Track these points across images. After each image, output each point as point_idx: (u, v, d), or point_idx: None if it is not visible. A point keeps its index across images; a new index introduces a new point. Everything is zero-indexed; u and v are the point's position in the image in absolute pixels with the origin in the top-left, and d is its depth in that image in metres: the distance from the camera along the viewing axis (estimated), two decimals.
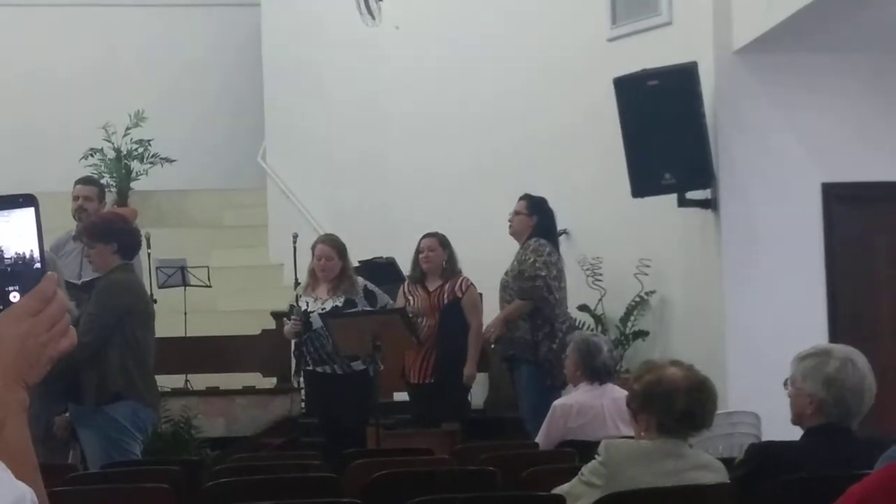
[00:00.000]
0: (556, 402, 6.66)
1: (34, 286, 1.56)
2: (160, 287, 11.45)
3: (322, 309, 8.17)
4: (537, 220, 8.70)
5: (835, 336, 8.34)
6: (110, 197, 12.62)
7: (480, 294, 9.06)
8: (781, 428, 4.53)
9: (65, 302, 1.60)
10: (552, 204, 8.86)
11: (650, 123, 8.65)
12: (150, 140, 14.14)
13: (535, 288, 8.51)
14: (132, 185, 14.15)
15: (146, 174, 14.16)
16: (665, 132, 8.59)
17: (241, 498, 4.74)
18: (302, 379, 9.01)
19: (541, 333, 8.46)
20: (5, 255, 1.56)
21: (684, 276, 9.38)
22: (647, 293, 9.64)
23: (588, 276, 9.75)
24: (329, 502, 4.84)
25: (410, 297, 8.80)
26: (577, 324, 9.28)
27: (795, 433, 4.30)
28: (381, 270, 9.96)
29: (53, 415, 6.95)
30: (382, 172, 12.18)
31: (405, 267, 9.26)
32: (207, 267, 12.13)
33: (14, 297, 1.56)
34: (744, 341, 8.57)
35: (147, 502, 4.88)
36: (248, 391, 10.54)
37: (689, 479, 4.05)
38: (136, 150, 14.19)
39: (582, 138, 10.20)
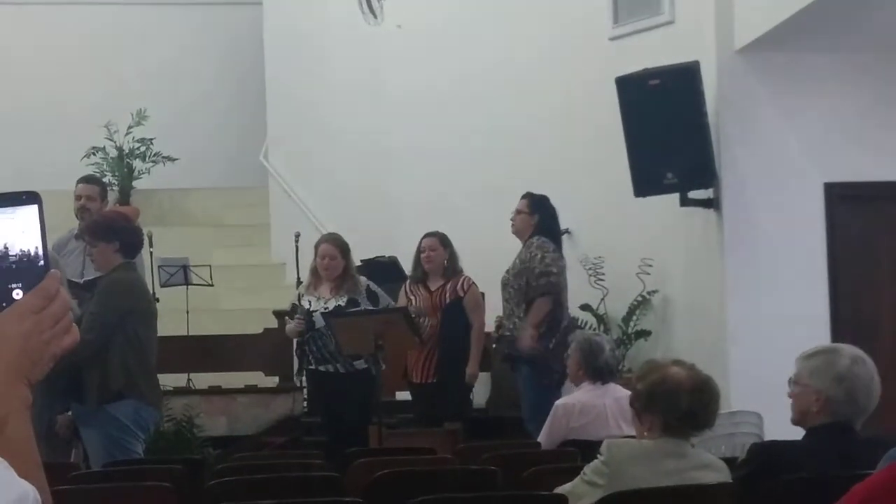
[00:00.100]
0: (558, 402, 6.66)
1: (37, 284, 1.56)
2: (162, 286, 11.45)
3: (325, 308, 8.17)
4: (539, 218, 8.69)
5: (837, 336, 8.33)
6: (112, 196, 12.62)
7: (483, 293, 9.06)
8: (783, 428, 4.53)
9: (67, 300, 1.60)
10: (554, 203, 8.86)
11: (652, 123, 8.64)
12: (152, 139, 14.14)
13: (549, 284, 8.52)
14: (134, 183, 14.15)
15: (148, 173, 14.16)
16: (667, 132, 8.58)
17: (243, 497, 4.74)
18: (304, 378, 9.01)
19: (539, 332, 8.45)
20: (10, 253, 1.56)
21: (686, 275, 9.38)
22: (649, 293, 9.64)
23: (590, 275, 9.75)
24: (331, 501, 4.84)
25: (412, 297, 8.80)
26: (579, 323, 9.28)
27: (797, 433, 4.30)
28: (383, 269, 9.96)
29: (56, 413, 6.95)
30: (385, 172, 12.18)
31: (407, 266, 9.26)
32: (209, 266, 12.13)
33: (17, 294, 1.56)
34: (746, 340, 8.57)
35: (149, 501, 4.88)
36: (251, 390, 10.54)
37: (691, 478, 4.05)
38: (138, 148, 14.19)
39: (583, 138, 10.20)
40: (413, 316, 8.43)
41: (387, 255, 10.45)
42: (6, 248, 1.56)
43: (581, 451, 5.70)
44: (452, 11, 11.59)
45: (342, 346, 8.00)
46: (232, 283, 12.94)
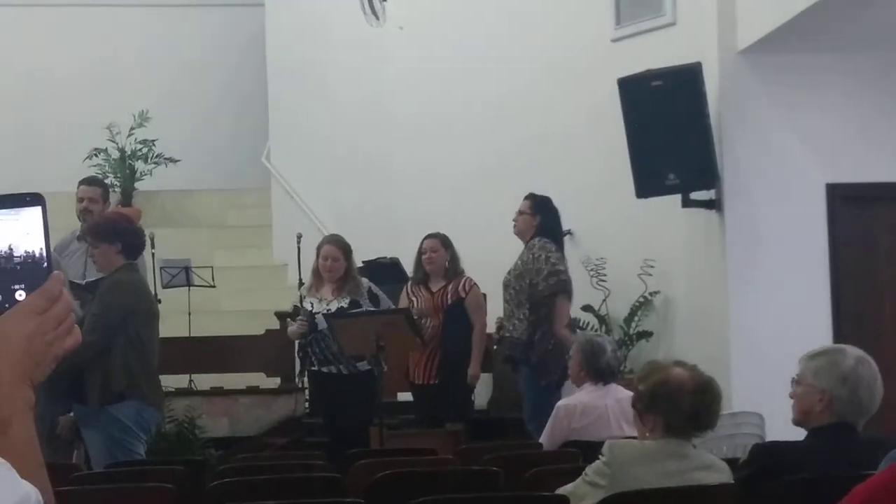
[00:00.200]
0: (560, 403, 6.66)
1: (40, 285, 1.57)
2: (164, 287, 11.46)
3: (327, 310, 8.18)
4: (541, 219, 8.69)
5: (839, 336, 8.33)
6: (114, 197, 12.61)
7: (484, 294, 9.06)
8: (785, 428, 4.53)
9: (70, 301, 1.60)
10: (556, 204, 8.86)
11: (654, 124, 8.64)
12: (154, 140, 14.15)
13: (560, 282, 8.53)
14: (136, 185, 14.16)
15: (150, 174, 14.17)
16: (669, 133, 8.58)
17: (244, 498, 4.74)
18: (306, 379, 9.02)
19: (539, 332, 8.45)
20: (14, 254, 1.56)
21: (688, 276, 9.38)
22: (650, 294, 9.64)
23: (592, 276, 9.75)
24: (333, 502, 4.85)
25: (414, 298, 8.80)
26: (580, 324, 9.29)
27: (799, 434, 4.30)
28: (385, 270, 9.97)
29: (57, 415, 6.95)
30: (386, 172, 12.19)
31: (409, 267, 9.26)
32: (211, 267, 12.14)
33: (20, 295, 1.57)
34: (748, 342, 8.57)
35: (151, 502, 4.88)
36: (252, 391, 10.55)
37: (692, 479, 4.05)
38: (140, 150, 14.20)
39: (586, 139, 10.21)
40: (415, 317, 8.43)
41: (388, 257, 10.45)
42: (10, 249, 1.56)
43: (583, 451, 5.70)
44: (454, 13, 11.60)
45: (343, 348, 8.00)
46: (234, 284, 12.95)
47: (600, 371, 6.48)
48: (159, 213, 13.79)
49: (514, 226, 8.81)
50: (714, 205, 8.86)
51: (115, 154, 14.17)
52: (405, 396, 9.45)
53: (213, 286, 12.03)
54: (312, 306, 8.24)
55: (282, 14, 13.84)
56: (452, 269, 8.84)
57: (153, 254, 10.42)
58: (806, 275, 8.72)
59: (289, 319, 8.60)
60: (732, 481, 4.12)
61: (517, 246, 8.82)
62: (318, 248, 8.44)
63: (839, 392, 4.09)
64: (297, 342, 8.55)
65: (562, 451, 6.09)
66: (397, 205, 11.96)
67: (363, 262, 9.61)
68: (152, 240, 9.78)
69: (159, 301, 8.50)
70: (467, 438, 8.45)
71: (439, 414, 8.77)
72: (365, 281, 8.43)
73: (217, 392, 10.48)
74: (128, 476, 5.60)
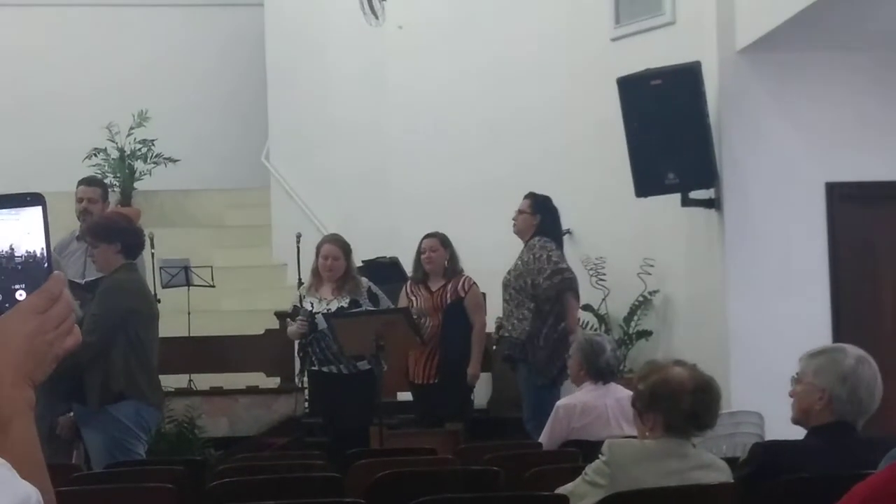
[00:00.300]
0: (560, 402, 6.66)
1: (41, 285, 1.57)
2: (164, 287, 11.46)
3: (327, 309, 8.17)
4: (541, 218, 8.70)
5: (838, 336, 8.33)
6: (114, 197, 12.62)
7: (484, 294, 9.06)
8: (785, 428, 4.53)
9: (71, 301, 1.60)
10: (555, 203, 8.86)
11: (653, 123, 8.65)
12: (153, 140, 14.15)
13: (566, 280, 8.55)
14: (136, 184, 14.16)
15: (150, 174, 14.17)
16: (668, 132, 8.58)
17: (244, 498, 4.74)
18: (306, 379, 9.01)
19: (541, 331, 8.45)
20: (16, 254, 1.56)
21: (688, 275, 9.38)
22: (650, 293, 9.65)
23: (591, 275, 9.75)
24: (333, 502, 4.84)
25: (413, 298, 8.80)
26: (580, 323, 9.28)
27: (799, 433, 4.30)
28: (385, 270, 9.97)
29: (57, 415, 6.95)
30: (386, 172, 12.18)
31: (408, 267, 9.26)
32: (211, 267, 12.14)
33: (20, 295, 1.57)
34: (747, 341, 8.57)
35: (150, 502, 4.88)
36: (252, 391, 10.54)
37: (692, 478, 4.05)
38: (139, 150, 14.20)
39: (585, 138, 10.21)
40: (414, 317, 8.43)
41: (388, 256, 10.45)
42: (12, 248, 1.57)
43: (582, 451, 5.70)
44: (453, 13, 11.60)
45: (343, 347, 8.00)
46: (233, 284, 12.95)
47: (600, 370, 6.48)
48: (158, 213, 13.78)
49: (514, 225, 8.81)
50: (713, 204, 8.86)
51: (115, 154, 14.17)
52: (405, 396, 9.45)
53: (213, 286, 12.03)
54: (312, 306, 8.23)
55: (281, 14, 13.83)
56: (452, 268, 8.84)
57: (152, 253, 10.42)
58: (805, 274, 8.72)
59: (288, 319, 8.60)
60: (732, 480, 4.12)
61: (516, 245, 8.82)
62: (318, 248, 8.43)
63: (839, 391, 4.09)
64: (297, 342, 8.55)
65: (561, 451, 6.09)
66: (396, 204, 11.95)
67: (362, 261, 9.61)
68: (151, 239, 9.78)
69: (159, 301, 8.49)
70: (467, 438, 8.46)
71: (439, 413, 8.77)
72: (364, 280, 8.42)
73: (216, 392, 10.48)
74: (127, 476, 5.60)
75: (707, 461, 4.18)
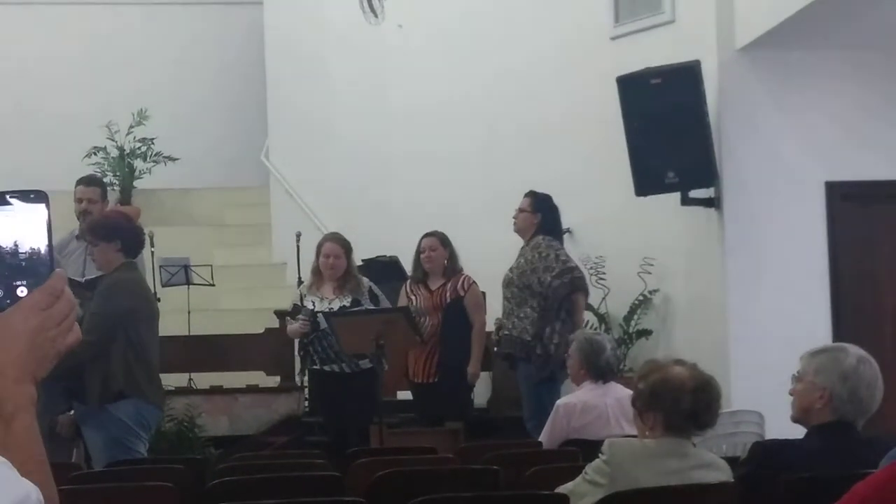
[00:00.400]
0: (560, 402, 6.66)
1: (42, 282, 1.57)
2: (163, 286, 11.46)
3: (329, 308, 8.17)
4: (541, 217, 8.69)
5: (838, 335, 8.33)
6: (113, 195, 12.62)
7: (483, 292, 9.06)
8: (785, 427, 4.53)
9: (72, 298, 1.61)
10: (555, 202, 8.86)
11: (653, 122, 8.65)
12: (153, 138, 14.14)
13: (574, 279, 8.55)
14: (135, 183, 14.15)
15: (149, 173, 14.16)
16: (668, 131, 8.59)
17: (244, 497, 4.73)
18: (306, 378, 9.01)
19: (547, 329, 8.44)
20: (20, 250, 1.57)
21: (687, 274, 9.38)
22: (650, 292, 9.65)
23: (591, 274, 9.74)
24: (333, 501, 4.84)
25: (413, 297, 8.80)
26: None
27: (799, 432, 4.30)
28: (385, 269, 9.97)
29: (58, 413, 6.96)
30: (386, 170, 12.18)
31: (408, 266, 9.26)
32: (211, 265, 12.14)
33: (21, 291, 1.57)
34: (747, 340, 8.57)
35: (151, 501, 4.88)
36: (252, 390, 10.54)
37: (692, 477, 4.05)
38: (139, 148, 14.19)
39: (585, 137, 10.20)
40: (414, 316, 8.43)
41: (388, 255, 10.45)
42: (16, 244, 1.57)
43: (582, 450, 5.70)
44: (454, 11, 11.59)
45: (343, 346, 8.00)
46: (233, 282, 12.95)
47: (600, 369, 6.48)
48: (158, 212, 13.77)
49: (514, 223, 8.81)
50: (713, 203, 8.86)
51: (114, 152, 14.16)
52: (405, 395, 9.45)
53: (213, 285, 12.03)
54: (314, 305, 8.22)
55: (281, 11, 13.83)
56: (451, 267, 8.84)
57: (152, 252, 10.42)
58: (805, 273, 8.72)
59: (288, 318, 8.59)
60: (732, 480, 4.12)
61: (515, 246, 8.82)
62: (319, 246, 8.42)
63: (839, 390, 4.09)
64: (297, 341, 8.54)
65: (561, 450, 6.09)
66: (396, 203, 11.95)
67: (362, 260, 9.60)
68: (151, 238, 9.78)
69: (158, 300, 8.48)
70: (467, 437, 8.45)
71: (439, 412, 8.77)
72: (366, 280, 8.42)
73: (217, 391, 10.48)
74: (127, 475, 5.60)
75: (707, 460, 4.18)
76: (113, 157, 14.13)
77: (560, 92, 10.50)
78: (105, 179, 10.85)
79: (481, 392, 9.90)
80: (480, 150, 11.21)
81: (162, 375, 7.19)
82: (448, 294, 8.75)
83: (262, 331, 10.72)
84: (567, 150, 10.39)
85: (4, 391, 1.55)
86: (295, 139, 13.64)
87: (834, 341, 7.59)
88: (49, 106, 14.70)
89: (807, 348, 4.32)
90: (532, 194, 8.82)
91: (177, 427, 9.41)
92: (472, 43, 11.33)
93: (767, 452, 4.21)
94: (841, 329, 8.59)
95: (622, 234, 9.79)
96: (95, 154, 14.03)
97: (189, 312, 11.72)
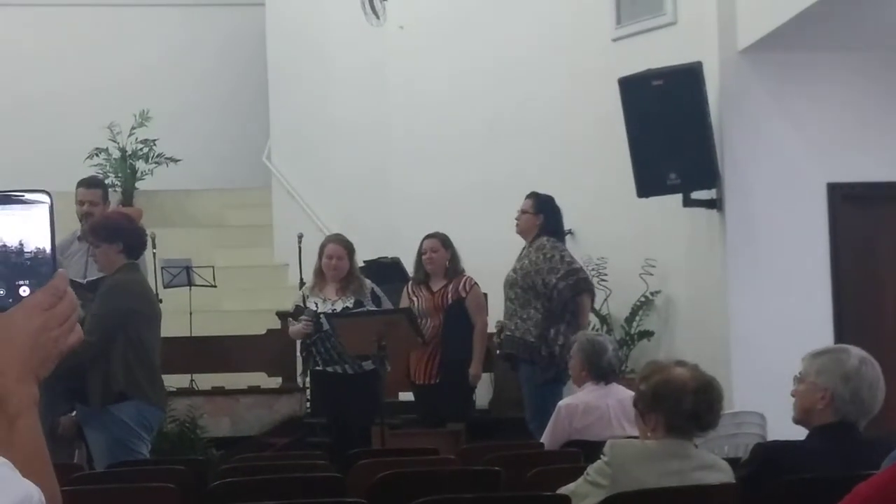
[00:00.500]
0: (562, 403, 6.66)
1: (44, 282, 1.57)
2: (165, 287, 11.46)
3: (332, 310, 8.17)
4: (544, 218, 8.69)
5: (840, 336, 8.33)
6: (115, 197, 12.62)
7: (485, 294, 9.06)
8: (786, 428, 4.53)
9: (75, 298, 1.61)
10: (557, 204, 8.86)
11: (655, 123, 8.65)
12: (155, 140, 14.15)
13: (580, 281, 8.55)
14: (137, 184, 14.16)
15: (151, 174, 14.17)
16: (670, 132, 8.59)
17: (246, 498, 4.74)
18: (308, 379, 9.01)
19: (552, 331, 8.44)
20: (25, 249, 1.57)
21: (689, 276, 9.38)
22: (652, 293, 9.64)
23: (593, 276, 9.73)
24: (334, 502, 4.85)
25: (414, 298, 8.80)
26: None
27: (800, 433, 4.30)
28: (386, 270, 9.97)
29: (59, 414, 6.96)
30: (387, 172, 12.18)
31: (410, 267, 9.26)
32: (212, 267, 12.15)
33: (24, 291, 1.58)
34: (749, 341, 8.57)
35: (153, 502, 4.88)
36: (254, 391, 10.55)
37: (694, 479, 4.05)
38: (141, 149, 14.20)
39: (586, 138, 10.20)
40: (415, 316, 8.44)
41: (389, 257, 10.45)
42: (21, 243, 1.57)
43: (584, 451, 5.70)
44: (454, 13, 11.59)
45: (345, 347, 8.00)
46: (235, 284, 12.95)
47: (602, 370, 6.48)
48: (160, 213, 13.78)
49: (517, 225, 8.80)
50: (715, 204, 8.86)
51: (116, 154, 14.17)
52: (406, 396, 9.45)
53: (214, 286, 12.04)
54: (317, 306, 8.22)
55: (282, 14, 13.84)
56: (453, 268, 8.83)
57: (154, 254, 10.43)
58: (807, 274, 8.72)
59: (290, 319, 8.59)
60: (734, 481, 4.12)
61: (517, 245, 8.81)
62: (322, 248, 8.42)
63: (841, 391, 4.09)
64: (299, 342, 8.54)
65: (563, 451, 6.09)
66: (398, 204, 11.95)
67: (364, 261, 9.61)
68: (153, 239, 9.77)
69: (160, 301, 8.48)
70: (468, 438, 8.46)
71: (440, 414, 8.77)
72: (368, 282, 8.42)
73: (218, 392, 10.49)
74: (129, 476, 5.60)
75: (709, 462, 4.18)
76: (115, 159, 14.15)
77: (561, 93, 10.50)
78: (107, 181, 10.85)
79: (483, 393, 9.90)
80: (481, 150, 11.21)
81: (164, 376, 7.18)
82: (450, 295, 8.75)
83: (263, 332, 10.73)
84: (568, 151, 10.39)
85: (8, 390, 1.55)
86: (296, 140, 13.65)
87: (836, 342, 7.60)
88: (51, 107, 14.72)
89: (808, 349, 4.32)
90: (534, 195, 8.82)
91: (178, 428, 9.42)
92: (473, 44, 11.33)
93: (769, 453, 4.21)
94: (843, 330, 8.58)
95: (624, 235, 9.78)
96: (97, 155, 14.04)
97: (191, 313, 11.73)
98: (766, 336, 8.43)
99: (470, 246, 9.24)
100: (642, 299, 9.66)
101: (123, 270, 6.67)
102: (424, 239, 8.94)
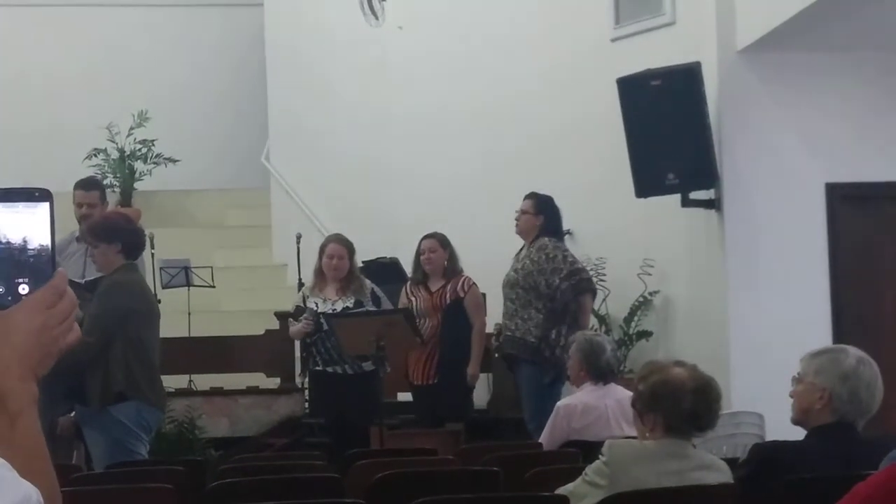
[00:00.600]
0: (560, 403, 6.66)
1: (42, 280, 1.58)
2: (164, 287, 11.46)
3: (333, 309, 8.17)
4: (544, 219, 8.68)
5: (839, 336, 8.33)
6: (114, 197, 12.64)
7: (483, 294, 9.05)
8: (785, 428, 4.53)
9: (74, 297, 1.62)
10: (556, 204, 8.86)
11: (653, 124, 8.65)
12: (153, 140, 14.15)
13: (583, 281, 8.55)
14: (136, 185, 14.16)
15: (150, 174, 14.16)
16: (668, 132, 8.58)
17: (245, 498, 4.74)
18: (307, 379, 9.01)
19: (554, 331, 8.44)
20: (29, 247, 1.57)
21: (688, 276, 9.38)
22: (650, 293, 9.64)
23: (592, 276, 9.74)
24: (333, 502, 4.85)
25: (413, 298, 8.80)
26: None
27: (799, 433, 4.30)
28: (385, 270, 9.97)
29: (58, 415, 6.95)
30: (385, 172, 12.19)
31: (408, 267, 9.26)
32: (211, 267, 12.14)
33: (23, 289, 1.58)
34: (747, 341, 8.57)
35: (151, 502, 4.88)
36: (252, 391, 10.54)
37: (692, 479, 4.05)
38: (139, 150, 14.20)
39: (585, 138, 10.21)
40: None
41: (388, 257, 10.45)
42: (25, 241, 1.58)
43: (583, 451, 5.70)
44: (453, 13, 11.60)
45: (343, 347, 8.00)
46: (233, 284, 12.95)
47: (600, 371, 6.48)
48: (159, 214, 13.77)
49: (516, 225, 8.79)
50: (714, 204, 8.86)
51: (115, 154, 14.16)
52: (405, 396, 9.45)
53: (213, 286, 12.03)
54: (317, 306, 8.22)
55: (281, 14, 13.84)
56: (451, 268, 8.83)
57: (153, 254, 10.42)
58: (805, 274, 8.72)
59: (290, 319, 8.58)
60: (732, 481, 4.12)
61: (516, 246, 8.81)
62: (322, 247, 8.42)
63: (839, 390, 4.09)
64: (299, 341, 8.53)
65: (562, 451, 6.09)
66: (396, 204, 11.95)
67: (363, 262, 9.60)
68: (152, 240, 9.78)
69: (159, 301, 8.48)
70: (467, 438, 8.46)
71: (439, 414, 8.77)
72: (368, 282, 8.43)
73: (217, 392, 10.48)
74: (127, 476, 5.60)
75: (707, 462, 4.18)
76: (113, 159, 14.14)
77: (560, 93, 10.50)
78: (105, 181, 10.86)
79: (481, 393, 9.90)
80: (480, 151, 11.21)
81: (162, 377, 7.18)
82: (448, 295, 8.75)
83: (262, 332, 10.72)
84: (567, 151, 10.39)
85: (10, 388, 1.56)
86: (295, 141, 13.65)
87: (834, 342, 7.60)
88: (49, 107, 14.71)
89: (807, 349, 4.32)
90: (534, 196, 8.81)
91: (177, 428, 9.41)
92: (471, 44, 11.33)
93: (767, 453, 4.21)
94: (841, 330, 8.59)
95: (622, 235, 9.78)
96: (96, 156, 14.04)
97: (189, 314, 11.73)
98: (764, 336, 8.43)
99: (468, 247, 9.23)
100: (641, 299, 9.66)
101: (122, 271, 6.67)
102: (423, 239, 8.94)
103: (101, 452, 6.56)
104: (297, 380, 9.98)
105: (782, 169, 8.75)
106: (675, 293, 9.56)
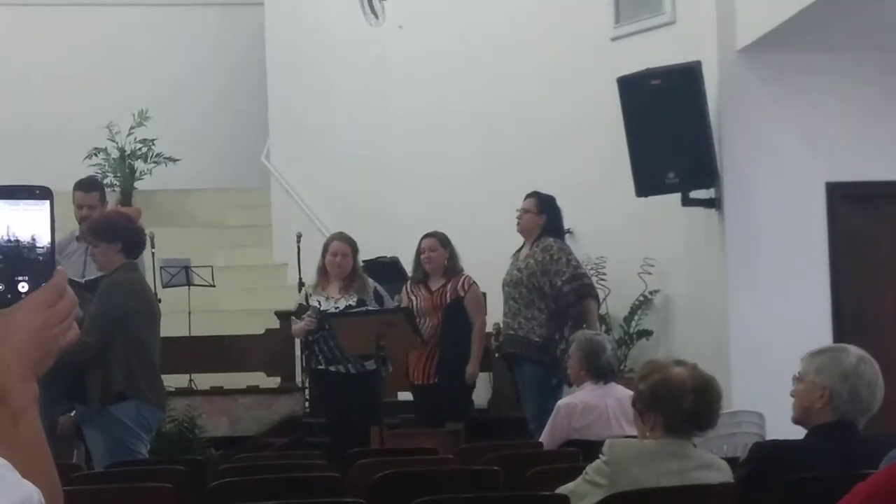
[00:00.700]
0: (560, 402, 6.66)
1: (42, 279, 1.58)
2: (164, 286, 11.46)
3: (335, 308, 8.16)
4: (546, 218, 8.68)
5: (839, 335, 8.33)
6: (114, 196, 12.63)
7: (483, 293, 9.05)
8: (785, 427, 4.53)
9: (74, 296, 1.61)
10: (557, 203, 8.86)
11: (654, 123, 8.65)
12: (153, 139, 14.15)
13: (584, 286, 8.55)
14: (136, 184, 14.16)
15: (150, 174, 14.17)
16: (669, 131, 8.58)
17: (245, 498, 4.74)
18: (307, 378, 9.01)
19: (558, 332, 8.43)
20: (37, 245, 1.57)
21: (688, 275, 9.38)
22: (650, 292, 9.64)
23: (592, 275, 9.73)
24: (333, 502, 4.85)
25: (413, 297, 8.80)
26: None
27: (799, 433, 4.30)
28: (385, 270, 9.96)
29: (58, 414, 6.95)
30: (385, 171, 12.19)
31: (409, 266, 9.26)
32: (211, 266, 12.15)
33: (23, 287, 1.58)
34: (748, 340, 8.57)
35: (151, 502, 4.88)
36: (252, 391, 10.55)
37: (693, 478, 4.05)
38: (139, 149, 14.20)
39: (585, 138, 10.20)
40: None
41: (388, 256, 10.45)
42: (33, 239, 1.58)
43: (583, 451, 5.70)
44: (453, 12, 11.60)
45: (343, 347, 8.00)
46: (234, 283, 12.95)
47: (600, 370, 6.48)
48: (159, 213, 13.76)
49: (518, 224, 8.78)
50: (714, 203, 8.86)
51: (115, 153, 14.17)
52: (405, 396, 9.45)
53: (213, 286, 12.04)
54: (320, 304, 8.22)
55: (281, 13, 13.84)
56: (451, 267, 8.83)
57: (153, 253, 10.42)
58: (806, 273, 8.72)
59: (293, 318, 8.58)
60: (733, 480, 4.12)
61: (517, 245, 8.81)
62: (326, 245, 8.42)
63: (840, 389, 4.09)
64: (301, 340, 8.53)
65: (562, 451, 6.09)
66: (396, 204, 11.95)
67: (363, 261, 9.60)
68: (152, 239, 9.77)
69: (159, 301, 8.48)
70: (467, 438, 8.45)
71: (439, 413, 8.77)
72: (371, 281, 8.43)
73: (217, 392, 10.48)
74: (128, 476, 5.60)
75: (708, 461, 4.18)
76: (114, 159, 14.15)
77: (560, 92, 10.50)
78: (105, 180, 10.86)
79: (481, 393, 9.89)
80: (480, 150, 11.21)
81: (162, 376, 7.18)
82: (448, 294, 8.75)
83: (262, 332, 10.73)
84: (567, 150, 10.39)
85: (11, 387, 1.56)
86: (295, 140, 13.65)
87: (834, 341, 7.60)
88: (50, 107, 14.71)
89: (807, 349, 4.32)
90: (536, 195, 8.80)
91: (177, 428, 9.41)
92: (472, 43, 11.33)
93: (768, 453, 4.21)
94: (841, 329, 8.58)
95: (623, 234, 9.78)
96: (96, 155, 14.04)
97: (190, 313, 11.73)
98: (764, 335, 8.43)
99: (468, 246, 9.23)
100: (641, 298, 9.66)
101: (122, 270, 6.66)
102: (423, 238, 8.94)
103: (102, 452, 6.56)
104: (298, 379, 9.98)
105: (782, 168, 8.75)
106: (675, 292, 9.56)
